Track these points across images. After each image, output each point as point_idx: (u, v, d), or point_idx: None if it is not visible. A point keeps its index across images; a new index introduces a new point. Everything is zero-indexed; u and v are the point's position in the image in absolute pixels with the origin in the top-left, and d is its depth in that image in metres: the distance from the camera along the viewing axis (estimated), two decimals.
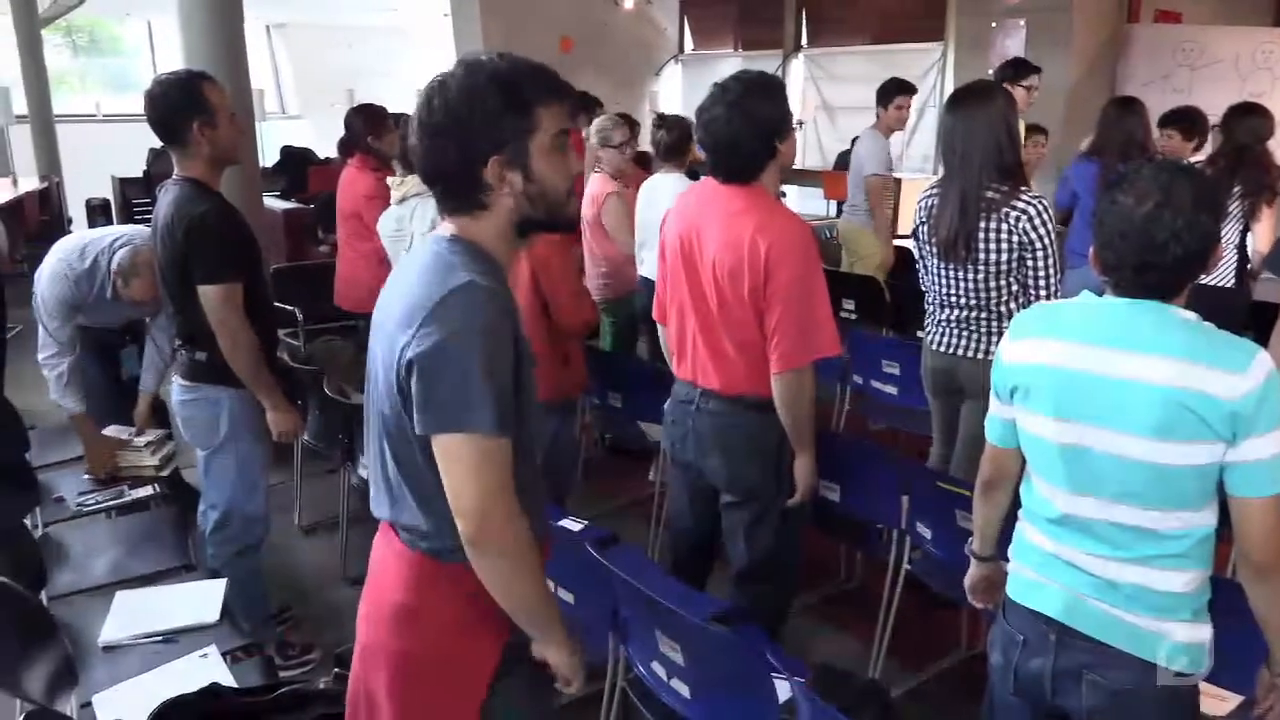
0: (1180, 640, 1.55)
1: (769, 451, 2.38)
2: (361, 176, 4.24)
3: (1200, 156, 4.33)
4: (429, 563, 1.49)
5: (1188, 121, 4.37)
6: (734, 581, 2.57)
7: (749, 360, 2.31)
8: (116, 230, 3.30)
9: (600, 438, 4.58)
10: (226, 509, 2.79)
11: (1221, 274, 3.96)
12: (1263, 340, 2.23)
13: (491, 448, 1.36)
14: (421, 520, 1.46)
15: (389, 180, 3.72)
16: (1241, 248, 3.98)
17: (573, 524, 2.49)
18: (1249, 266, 4.01)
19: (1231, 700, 2.03)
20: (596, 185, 4.22)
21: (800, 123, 2.63)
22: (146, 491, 3.09)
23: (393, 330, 1.41)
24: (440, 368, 1.34)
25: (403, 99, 7.51)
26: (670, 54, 12.34)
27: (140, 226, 3.37)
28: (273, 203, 7.06)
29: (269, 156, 9.00)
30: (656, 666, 2.12)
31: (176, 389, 2.76)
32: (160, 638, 2.23)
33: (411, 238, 3.53)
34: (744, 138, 2.22)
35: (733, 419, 2.37)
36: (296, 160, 8.89)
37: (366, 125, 4.26)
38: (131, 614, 2.32)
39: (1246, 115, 4.00)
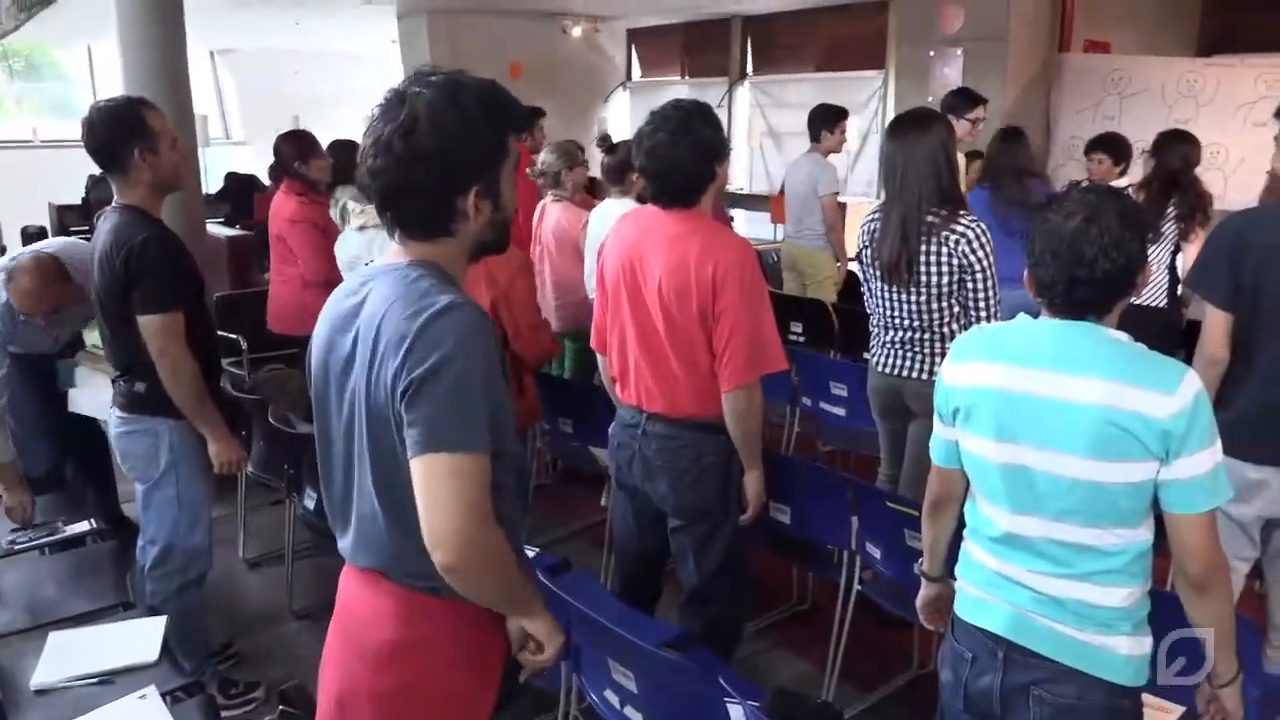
0: (1124, 654, 1.58)
1: (715, 472, 2.40)
2: (287, 201, 4.28)
3: (1124, 180, 4.50)
4: (427, 599, 1.43)
5: (1114, 146, 4.65)
6: (685, 603, 2.57)
7: (695, 381, 2.34)
8: (33, 249, 3.21)
9: (551, 463, 4.55)
10: (167, 543, 2.72)
11: (1153, 294, 4.09)
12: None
13: (477, 467, 1.32)
14: (417, 556, 1.37)
15: (349, 207, 3.67)
16: (1173, 269, 4.11)
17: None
18: (1179, 288, 4.14)
19: (1174, 711, 2.06)
20: (565, 213, 4.21)
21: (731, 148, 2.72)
22: (82, 527, 3.00)
23: (371, 364, 1.37)
24: (434, 390, 1.30)
25: (349, 125, 7.46)
26: (618, 81, 12.45)
27: (61, 239, 3.28)
28: (216, 230, 6.97)
29: (213, 183, 8.86)
30: (610, 695, 2.10)
31: (114, 420, 2.69)
32: (96, 679, 2.16)
33: None
34: (687, 162, 2.27)
35: (679, 441, 2.39)
36: (241, 186, 8.77)
37: (294, 151, 4.30)
38: (66, 655, 2.24)
39: (1178, 142, 4.13)
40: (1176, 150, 4.08)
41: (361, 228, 3.58)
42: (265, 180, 8.77)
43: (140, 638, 2.30)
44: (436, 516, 1.31)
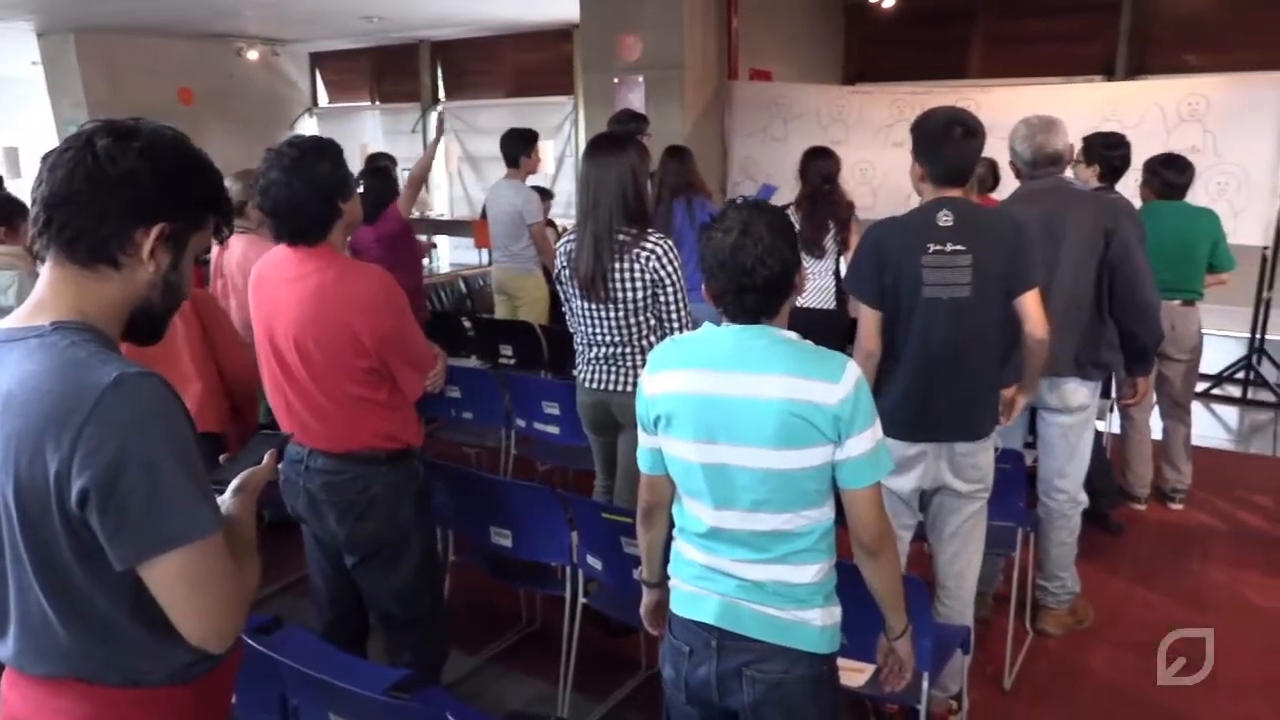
0: (818, 625, 1.73)
1: (384, 503, 2.39)
2: None
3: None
4: (126, 692, 1.26)
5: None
6: (383, 633, 2.56)
7: (347, 414, 2.33)
8: None
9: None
10: None
11: (823, 299, 4.53)
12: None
13: (214, 550, 1.20)
14: (109, 656, 1.23)
15: None
16: (837, 274, 4.57)
17: None
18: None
19: (867, 670, 2.29)
20: (250, 246, 3.91)
21: (361, 181, 2.69)
22: None
23: (19, 456, 1.15)
24: (129, 484, 1.13)
25: None
26: (304, 106, 11.92)
27: None
28: None
29: None
30: None
31: None
32: None
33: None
34: (305, 199, 2.22)
35: (344, 475, 2.37)
36: None
37: None
38: None
39: (814, 159, 4.51)
40: (814, 168, 4.47)
41: None
42: None
43: None
44: (190, 615, 1.21)
